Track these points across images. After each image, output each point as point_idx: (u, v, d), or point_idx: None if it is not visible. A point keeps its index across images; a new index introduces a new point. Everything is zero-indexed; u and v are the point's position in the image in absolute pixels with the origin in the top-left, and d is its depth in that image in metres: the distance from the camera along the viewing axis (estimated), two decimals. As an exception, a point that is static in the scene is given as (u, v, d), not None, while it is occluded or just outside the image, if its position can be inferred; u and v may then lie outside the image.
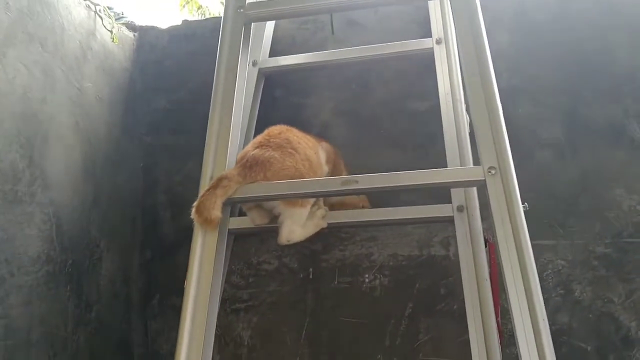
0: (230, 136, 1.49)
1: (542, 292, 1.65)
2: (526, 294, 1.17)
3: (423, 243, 1.82)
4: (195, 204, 1.38)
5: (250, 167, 1.46)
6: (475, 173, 1.33)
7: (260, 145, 1.54)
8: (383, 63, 1.95)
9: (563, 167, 1.81)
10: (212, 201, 1.38)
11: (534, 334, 1.13)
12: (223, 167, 1.46)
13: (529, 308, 1.16)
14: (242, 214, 1.65)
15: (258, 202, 1.54)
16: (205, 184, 1.44)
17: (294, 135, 1.61)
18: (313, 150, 1.61)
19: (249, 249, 1.93)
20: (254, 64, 1.86)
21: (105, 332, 1.80)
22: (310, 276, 1.87)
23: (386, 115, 1.94)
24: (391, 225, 1.81)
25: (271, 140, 1.56)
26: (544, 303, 1.65)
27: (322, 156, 1.65)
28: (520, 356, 1.12)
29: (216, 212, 1.37)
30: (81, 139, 1.75)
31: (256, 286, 1.90)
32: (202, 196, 1.39)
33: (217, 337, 1.85)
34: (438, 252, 1.80)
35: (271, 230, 1.57)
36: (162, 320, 1.94)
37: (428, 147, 1.85)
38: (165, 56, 2.16)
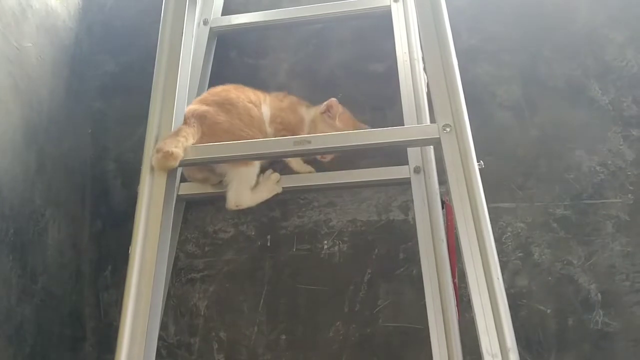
0: (177, 96, 1.43)
1: (501, 256, 1.68)
2: (480, 251, 1.14)
3: (382, 208, 1.79)
4: (157, 145, 1.35)
5: (186, 120, 1.46)
6: (430, 131, 1.30)
7: (198, 102, 1.54)
8: (341, 23, 1.89)
9: (522, 128, 1.78)
10: (176, 140, 1.35)
11: (488, 291, 1.11)
12: (169, 128, 1.39)
13: (482, 265, 1.13)
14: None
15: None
16: (150, 146, 1.38)
17: (237, 91, 1.58)
18: (256, 107, 1.58)
19: (204, 217, 1.87)
20: (205, 22, 1.79)
21: (54, 303, 1.73)
22: (268, 244, 1.83)
23: (344, 77, 1.88)
24: (348, 189, 1.77)
25: (209, 97, 1.55)
26: (503, 266, 1.67)
27: (266, 113, 1.61)
28: (475, 315, 1.10)
29: (178, 150, 1.33)
30: (21, 102, 1.65)
31: (212, 255, 1.84)
32: (164, 139, 1.36)
33: (173, 308, 1.81)
34: (397, 216, 1.77)
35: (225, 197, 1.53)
36: (115, 292, 1.87)
37: (386, 109, 1.81)
38: (114, 16, 2.06)
